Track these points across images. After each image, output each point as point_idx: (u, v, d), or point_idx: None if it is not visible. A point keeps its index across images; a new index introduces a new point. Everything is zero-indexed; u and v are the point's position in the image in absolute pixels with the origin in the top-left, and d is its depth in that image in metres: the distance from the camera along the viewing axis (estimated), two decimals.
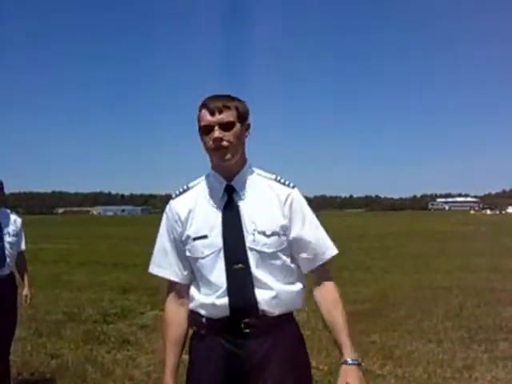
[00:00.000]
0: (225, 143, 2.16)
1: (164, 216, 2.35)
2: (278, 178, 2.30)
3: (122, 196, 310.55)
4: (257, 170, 2.32)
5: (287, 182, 2.29)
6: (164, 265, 2.33)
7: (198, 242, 2.22)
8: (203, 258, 2.20)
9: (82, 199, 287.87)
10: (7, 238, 4.79)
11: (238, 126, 2.19)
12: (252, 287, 2.14)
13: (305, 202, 2.29)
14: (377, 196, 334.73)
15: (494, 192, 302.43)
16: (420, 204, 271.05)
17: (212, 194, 2.26)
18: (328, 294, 2.27)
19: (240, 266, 2.14)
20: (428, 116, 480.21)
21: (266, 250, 2.16)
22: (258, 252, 2.16)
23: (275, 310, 2.16)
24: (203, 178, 2.34)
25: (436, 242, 26.24)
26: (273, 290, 2.16)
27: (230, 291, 2.14)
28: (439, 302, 9.64)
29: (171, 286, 2.35)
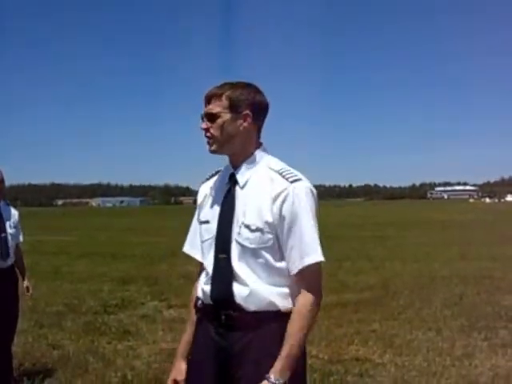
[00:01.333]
0: (208, 134, 2.19)
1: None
2: (282, 170, 2.16)
3: (122, 187, 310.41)
4: (268, 161, 2.22)
5: (288, 176, 2.13)
6: (194, 245, 2.39)
7: (202, 226, 2.29)
8: (203, 242, 2.27)
9: (81, 191, 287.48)
10: (9, 230, 4.82)
11: (225, 116, 2.15)
12: (230, 280, 2.13)
13: (301, 200, 2.11)
14: (376, 185, 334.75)
15: (492, 180, 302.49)
16: (419, 193, 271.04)
17: (222, 182, 2.29)
18: (296, 302, 2.11)
19: (224, 256, 2.15)
20: (426, 105, 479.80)
21: (248, 245, 2.12)
22: (241, 245, 2.13)
23: (250, 307, 2.11)
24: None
25: (435, 230, 26.33)
26: (248, 287, 2.11)
27: (213, 280, 2.17)
28: (439, 290, 9.67)
29: (200, 266, 2.38)
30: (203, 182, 2.41)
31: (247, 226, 2.13)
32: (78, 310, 8.43)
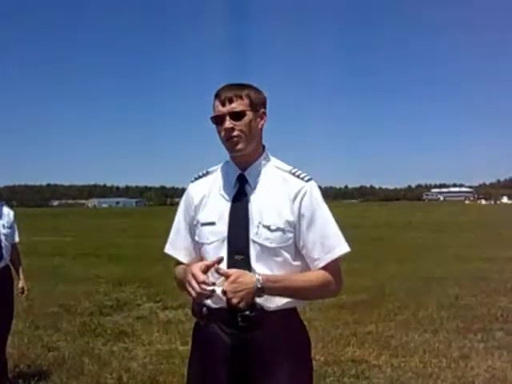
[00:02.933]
0: (236, 133, 2.17)
1: (182, 198, 2.39)
2: (294, 170, 2.24)
3: (117, 188, 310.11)
4: (274, 161, 2.29)
5: (302, 175, 2.22)
6: (178, 246, 2.37)
7: (205, 228, 2.24)
8: (209, 244, 2.22)
9: (77, 191, 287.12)
10: (2, 230, 4.78)
11: (250, 114, 2.18)
12: None
13: (318, 197, 2.22)
14: (371, 186, 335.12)
15: (488, 182, 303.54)
16: (414, 194, 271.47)
17: (226, 182, 2.27)
18: (323, 273, 2.20)
19: (240, 257, 2.14)
20: (422, 107, 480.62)
21: (268, 245, 2.13)
22: (260, 245, 2.14)
23: (270, 305, 2.13)
24: (222, 164, 2.34)
25: (431, 232, 26.34)
26: None
27: None
28: (435, 292, 9.68)
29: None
30: (192, 182, 2.38)
31: (267, 227, 2.14)
32: (73, 312, 8.40)
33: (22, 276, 5.11)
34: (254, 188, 2.22)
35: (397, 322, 7.46)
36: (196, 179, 2.37)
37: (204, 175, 2.36)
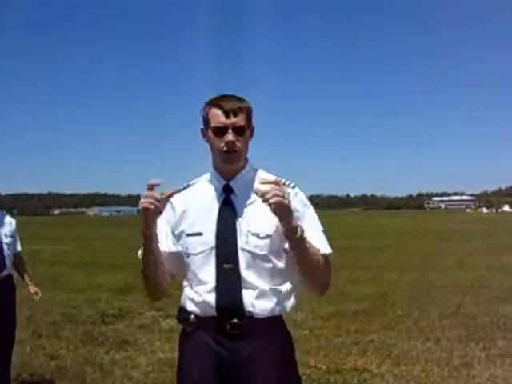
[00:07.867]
0: (237, 148, 2.16)
1: (165, 210, 2.26)
2: (279, 178, 2.19)
3: (118, 196, 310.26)
4: (260, 172, 2.29)
5: (287, 183, 2.22)
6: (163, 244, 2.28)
7: (191, 239, 2.22)
8: (196, 254, 2.21)
9: (78, 200, 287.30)
10: (4, 239, 4.79)
11: (248, 130, 2.20)
12: (239, 288, 2.13)
13: (305, 200, 2.24)
14: (373, 195, 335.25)
15: (489, 190, 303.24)
16: (416, 203, 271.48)
17: (210, 193, 2.26)
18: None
19: (229, 265, 2.14)
20: (423, 115, 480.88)
21: (258, 252, 2.14)
22: (250, 253, 2.14)
23: (261, 312, 2.13)
24: (204, 176, 2.34)
25: (433, 240, 26.29)
26: (259, 292, 2.13)
27: (218, 290, 2.14)
28: (437, 300, 9.67)
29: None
30: (177, 193, 2.29)
31: (256, 234, 2.15)
32: (75, 320, 8.41)
33: (30, 282, 5.14)
34: (240, 197, 2.22)
35: (399, 330, 7.45)
36: (178, 191, 2.31)
37: (185, 188, 2.34)
